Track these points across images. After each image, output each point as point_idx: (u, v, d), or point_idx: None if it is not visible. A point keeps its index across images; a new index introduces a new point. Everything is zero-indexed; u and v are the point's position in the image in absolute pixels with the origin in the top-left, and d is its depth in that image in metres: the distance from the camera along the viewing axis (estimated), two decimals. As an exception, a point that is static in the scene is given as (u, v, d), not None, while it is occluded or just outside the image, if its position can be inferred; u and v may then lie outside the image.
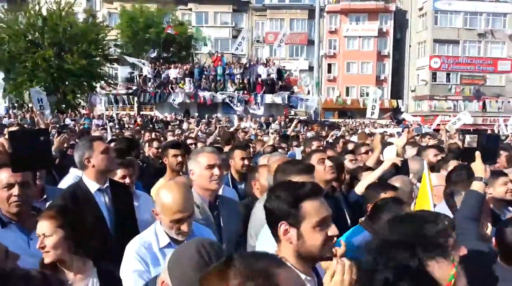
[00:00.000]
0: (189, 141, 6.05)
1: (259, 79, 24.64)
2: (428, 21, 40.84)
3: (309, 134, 14.13)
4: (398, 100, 38.75)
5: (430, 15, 40.47)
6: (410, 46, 43.36)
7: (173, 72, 24.15)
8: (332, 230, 1.59)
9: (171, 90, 23.51)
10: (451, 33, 40.36)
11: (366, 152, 6.29)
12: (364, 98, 40.33)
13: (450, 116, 32.18)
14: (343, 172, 3.70)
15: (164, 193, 2.06)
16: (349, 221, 2.82)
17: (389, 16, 42.74)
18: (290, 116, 27.17)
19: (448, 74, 41.04)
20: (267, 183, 2.85)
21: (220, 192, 3.36)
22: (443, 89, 40.74)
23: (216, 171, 2.56)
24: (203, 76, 24.24)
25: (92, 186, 2.66)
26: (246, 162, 4.11)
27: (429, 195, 1.95)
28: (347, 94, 43.12)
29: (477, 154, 2.34)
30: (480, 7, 39.97)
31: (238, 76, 24.39)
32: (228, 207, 2.70)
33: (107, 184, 2.72)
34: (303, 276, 1.54)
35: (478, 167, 2.36)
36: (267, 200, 1.69)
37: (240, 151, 4.20)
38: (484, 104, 40.17)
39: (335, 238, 1.63)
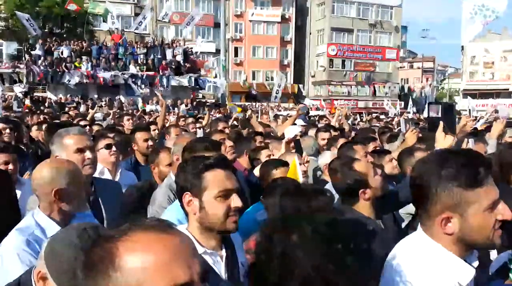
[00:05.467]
0: (82, 123, 5.62)
1: (164, 60, 23.88)
2: (326, 10, 43.26)
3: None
4: (300, 85, 40.67)
5: (328, 4, 42.88)
6: (310, 33, 45.58)
7: (66, 50, 22.16)
8: (235, 202, 1.57)
9: (65, 69, 21.59)
10: (346, 22, 43.36)
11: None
12: (269, 82, 41.58)
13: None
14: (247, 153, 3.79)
15: (36, 170, 1.94)
16: (249, 202, 2.90)
17: (291, 3, 44.30)
18: (198, 99, 26.91)
19: (343, 61, 44.19)
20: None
21: (117, 177, 3.18)
22: (339, 75, 43.84)
23: (88, 154, 2.33)
24: (102, 55, 22.68)
25: None
26: (150, 142, 3.95)
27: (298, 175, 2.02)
28: (253, 78, 44.00)
29: (440, 123, 2.28)
30: (371, -2, 43.55)
31: (142, 56, 23.32)
32: (107, 189, 2.51)
33: None
34: (201, 250, 1.52)
35: (439, 136, 2.29)
36: (176, 175, 1.69)
37: (142, 132, 4.01)
38: (374, 89, 44.20)
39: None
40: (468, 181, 1.21)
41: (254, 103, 31.08)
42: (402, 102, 29.25)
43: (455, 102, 40.46)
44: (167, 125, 5.95)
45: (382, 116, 17.78)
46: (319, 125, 8.74)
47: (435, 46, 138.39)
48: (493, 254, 2.06)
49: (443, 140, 2.25)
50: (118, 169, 3.22)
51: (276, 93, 18.07)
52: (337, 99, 39.67)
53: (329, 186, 2.96)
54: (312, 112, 20.10)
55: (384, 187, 2.52)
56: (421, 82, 50.54)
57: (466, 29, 10.86)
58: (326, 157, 3.63)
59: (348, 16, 43.47)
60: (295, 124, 6.48)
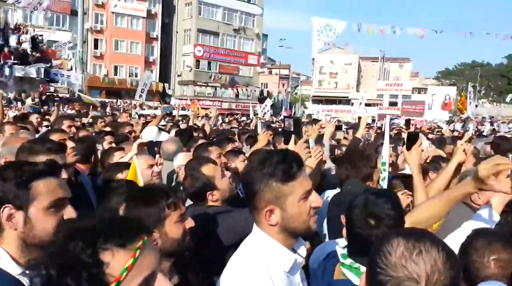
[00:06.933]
0: None
1: (7, 47, 20.82)
2: (193, 10, 43.47)
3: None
4: (165, 84, 39.97)
5: (195, 5, 43.16)
6: (177, 32, 45.21)
7: None
8: (68, 212, 1.43)
9: None
10: (213, 25, 44.30)
11: (130, 132, 6.30)
12: (133, 79, 39.82)
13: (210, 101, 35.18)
14: (94, 154, 3.56)
15: None
16: (95, 206, 2.75)
17: (158, -1, 43.29)
18: (48, 93, 24.20)
19: (209, 63, 45.01)
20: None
21: None
22: (205, 76, 44.54)
23: None
24: None
25: None
26: None
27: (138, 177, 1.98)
28: (115, 73, 41.57)
29: (292, 137, 2.42)
30: (235, 5, 45.29)
31: (-24, 40, 19.91)
32: None
33: None
34: (19, 270, 1.34)
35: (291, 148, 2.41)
36: None
37: None
38: (237, 91, 46.14)
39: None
40: (283, 176, 1.35)
41: (115, 100, 29.40)
42: (267, 106, 31.29)
43: (306, 107, 44.92)
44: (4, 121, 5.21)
45: (243, 118, 18.69)
46: (181, 125, 8.81)
47: (292, 54, 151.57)
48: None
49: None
50: None
51: (142, 92, 17.51)
52: (202, 100, 40.21)
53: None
54: (181, 112, 19.95)
55: (232, 188, 2.67)
56: (278, 87, 54.70)
57: (314, 44, 12.45)
58: (180, 159, 3.67)
59: (214, 20, 44.45)
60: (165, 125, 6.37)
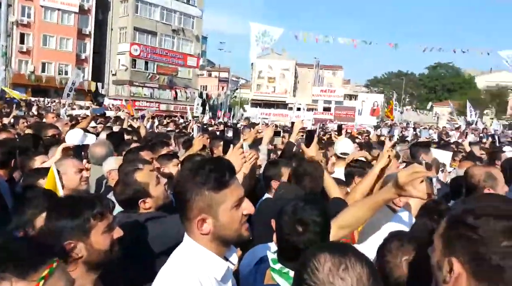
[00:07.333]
0: None
1: None
2: (129, 8, 41.98)
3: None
4: (98, 83, 38.10)
5: (132, 2, 41.75)
6: (112, 29, 43.39)
7: None
8: None
9: None
10: (150, 24, 43.11)
11: (54, 135, 5.92)
12: (62, 77, 37.57)
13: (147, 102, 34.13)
14: (13, 158, 3.29)
15: None
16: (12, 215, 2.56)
17: (91, -6, 41.29)
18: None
19: (146, 63, 43.67)
20: None
21: None
22: (142, 77, 43.17)
23: None
24: None
25: None
26: None
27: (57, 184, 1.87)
28: (43, 71, 38.93)
29: (231, 147, 2.32)
30: (174, 5, 44.48)
31: None
32: None
33: None
34: None
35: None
36: None
37: None
38: (176, 93, 45.29)
39: None
40: (216, 184, 1.34)
41: (42, 99, 27.49)
42: (201, 107, 31.06)
43: (244, 110, 45.54)
44: None
45: (181, 121, 18.39)
46: (115, 128, 8.44)
47: (232, 58, 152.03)
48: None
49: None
50: None
51: (70, 91, 16.69)
52: (139, 101, 38.96)
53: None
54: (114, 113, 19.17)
55: (166, 196, 2.58)
56: (218, 90, 54.68)
57: (252, 49, 12.76)
58: (111, 163, 3.51)
59: (152, 19, 43.30)
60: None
